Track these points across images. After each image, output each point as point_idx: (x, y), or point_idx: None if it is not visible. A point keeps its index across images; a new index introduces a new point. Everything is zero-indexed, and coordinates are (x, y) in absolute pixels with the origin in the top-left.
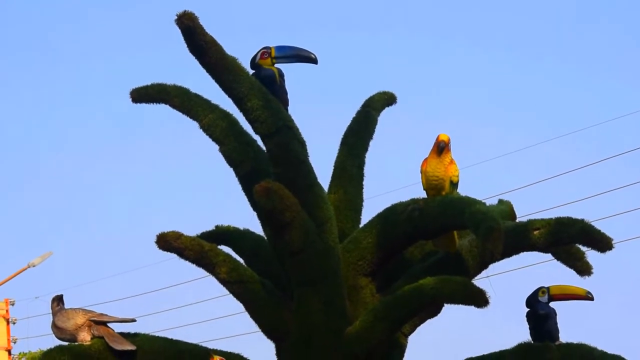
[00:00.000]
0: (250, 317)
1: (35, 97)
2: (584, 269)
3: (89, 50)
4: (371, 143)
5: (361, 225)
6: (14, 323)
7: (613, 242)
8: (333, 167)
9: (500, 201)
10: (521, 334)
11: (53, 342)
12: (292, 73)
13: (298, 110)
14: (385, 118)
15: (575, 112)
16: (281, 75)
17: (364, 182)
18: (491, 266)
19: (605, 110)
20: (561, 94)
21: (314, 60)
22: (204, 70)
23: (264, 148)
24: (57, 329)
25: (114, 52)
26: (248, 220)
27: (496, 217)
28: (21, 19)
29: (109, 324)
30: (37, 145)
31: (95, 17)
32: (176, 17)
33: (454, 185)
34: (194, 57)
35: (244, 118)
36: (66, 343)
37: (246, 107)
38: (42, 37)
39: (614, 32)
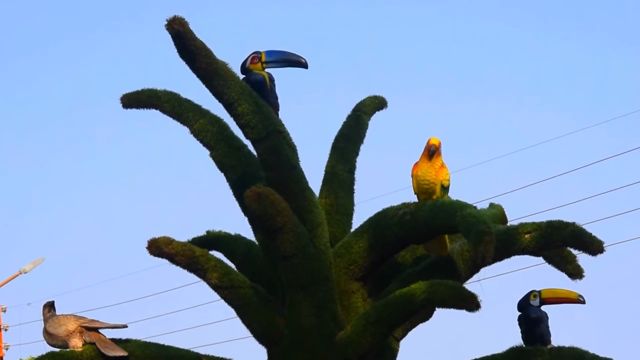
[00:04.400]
0: (242, 322)
1: (30, 100)
2: (575, 273)
3: (81, 53)
4: (362, 147)
5: (352, 230)
6: (6, 330)
7: (604, 245)
8: (324, 172)
9: (491, 205)
10: (513, 337)
11: (45, 348)
12: (282, 77)
13: (289, 115)
14: (376, 122)
15: (567, 115)
16: (271, 79)
17: (355, 187)
18: (482, 270)
19: (601, 111)
20: (553, 93)
21: (304, 65)
22: (195, 76)
23: (255, 153)
24: (48, 335)
25: (107, 57)
26: (239, 225)
27: (487, 221)
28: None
29: (100, 330)
30: (29, 151)
31: (88, 20)
32: (166, 22)
33: (445, 189)
34: (184, 62)
35: (234, 123)
36: (58, 349)
37: (237, 112)
38: (36, 38)
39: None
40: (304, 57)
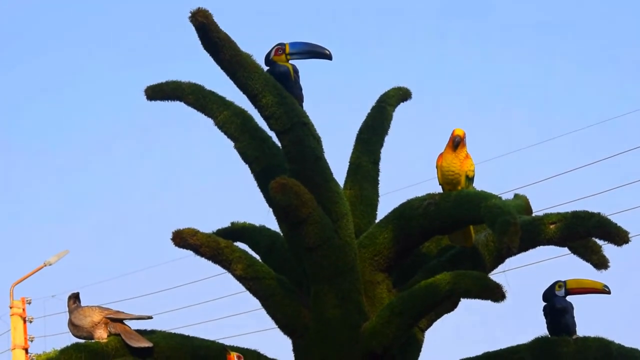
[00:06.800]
0: (267, 313)
1: (50, 91)
2: (600, 263)
3: (104, 47)
4: (386, 138)
5: (377, 221)
6: (31, 322)
7: (629, 235)
8: (348, 163)
9: (516, 195)
10: (538, 328)
11: (70, 340)
12: (306, 69)
13: (313, 106)
14: (401, 113)
15: (593, 104)
16: (296, 71)
17: (379, 178)
18: (507, 260)
19: (625, 102)
20: (578, 85)
21: (328, 56)
22: (219, 67)
23: (279, 144)
24: (73, 327)
25: (131, 50)
26: (264, 216)
27: (512, 212)
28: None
29: (125, 322)
30: (51, 141)
31: (110, 11)
32: (190, 15)
33: (470, 179)
34: (208, 54)
35: (259, 115)
36: (83, 341)
37: (261, 103)
38: (55, 35)
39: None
40: (328, 49)
